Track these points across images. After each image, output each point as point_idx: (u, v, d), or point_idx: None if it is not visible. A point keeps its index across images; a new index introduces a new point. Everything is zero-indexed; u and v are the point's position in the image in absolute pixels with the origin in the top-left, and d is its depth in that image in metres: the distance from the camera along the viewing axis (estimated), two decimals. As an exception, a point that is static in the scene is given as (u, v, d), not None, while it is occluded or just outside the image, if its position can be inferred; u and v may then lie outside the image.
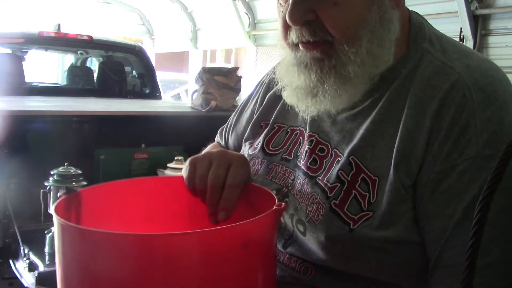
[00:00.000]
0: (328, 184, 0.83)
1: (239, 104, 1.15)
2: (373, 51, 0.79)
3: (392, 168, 0.77)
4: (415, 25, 0.86)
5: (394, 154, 0.77)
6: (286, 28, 0.83)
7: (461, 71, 0.78)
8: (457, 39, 4.56)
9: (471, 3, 4.89)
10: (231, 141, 1.14)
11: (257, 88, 1.10)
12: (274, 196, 0.76)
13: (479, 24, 4.97)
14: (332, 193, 0.82)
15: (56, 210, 0.69)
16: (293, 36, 0.82)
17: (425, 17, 0.92)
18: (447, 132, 0.75)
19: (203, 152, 0.90)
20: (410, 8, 0.91)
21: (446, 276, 0.74)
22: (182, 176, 0.84)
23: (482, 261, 0.68)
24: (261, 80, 1.11)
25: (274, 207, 0.70)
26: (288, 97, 0.89)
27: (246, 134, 1.04)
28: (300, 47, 0.82)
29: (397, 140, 0.78)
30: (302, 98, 0.86)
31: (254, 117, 1.04)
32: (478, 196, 0.70)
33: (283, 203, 0.71)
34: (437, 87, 0.78)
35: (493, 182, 0.50)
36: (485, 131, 0.73)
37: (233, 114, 1.16)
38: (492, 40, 4.99)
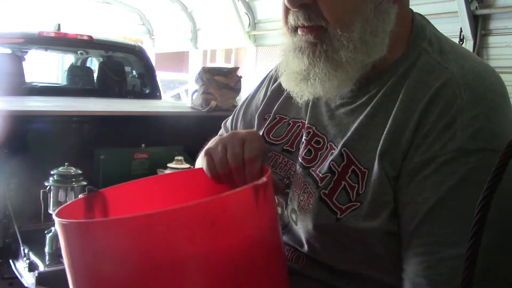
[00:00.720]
0: (320, 175, 0.85)
1: (247, 96, 1.17)
2: (366, 38, 0.81)
3: (377, 158, 0.79)
4: (417, 26, 0.88)
5: (379, 145, 0.79)
6: (286, 12, 0.86)
7: (455, 71, 0.79)
8: (457, 39, 4.56)
9: (471, 3, 4.89)
10: (240, 126, 1.15)
11: (264, 81, 1.12)
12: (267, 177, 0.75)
13: (479, 24, 4.97)
14: (323, 183, 0.84)
15: (73, 208, 0.70)
16: (291, 19, 0.84)
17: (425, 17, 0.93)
18: (432, 126, 0.76)
19: (205, 147, 0.90)
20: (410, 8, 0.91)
21: (415, 264, 0.74)
22: (202, 168, 0.86)
23: (450, 252, 0.70)
24: (268, 73, 1.13)
25: (251, 184, 0.69)
26: (284, 81, 0.91)
27: (255, 127, 1.07)
28: (298, 31, 0.85)
29: (384, 132, 0.79)
30: (296, 83, 0.87)
31: (259, 110, 1.06)
32: (454, 189, 0.72)
33: (263, 179, 0.71)
34: (429, 84, 0.79)
35: (493, 182, 0.50)
36: (471, 126, 0.74)
37: (239, 106, 1.18)
38: (492, 40, 4.99)
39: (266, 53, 8.57)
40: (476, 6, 4.92)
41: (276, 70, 1.05)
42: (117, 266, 0.63)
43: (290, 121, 0.98)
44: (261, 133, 1.00)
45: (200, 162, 0.87)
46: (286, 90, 0.98)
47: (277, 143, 0.97)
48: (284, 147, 0.95)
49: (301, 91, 0.88)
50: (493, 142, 0.74)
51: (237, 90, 3.21)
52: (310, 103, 0.94)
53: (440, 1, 4.91)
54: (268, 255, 0.73)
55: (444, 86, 0.78)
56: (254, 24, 8.45)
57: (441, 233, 0.72)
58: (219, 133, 1.22)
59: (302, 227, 0.85)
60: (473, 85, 0.78)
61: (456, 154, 0.73)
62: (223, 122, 1.23)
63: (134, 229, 0.62)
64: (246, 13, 8.37)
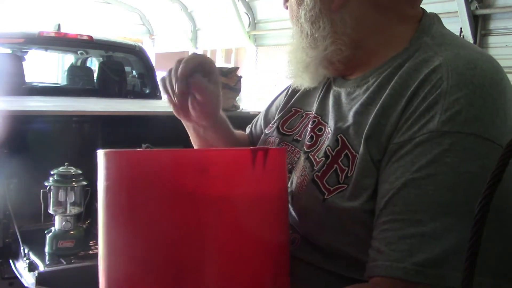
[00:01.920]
0: (317, 159, 0.88)
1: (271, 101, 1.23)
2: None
3: (362, 141, 0.80)
4: (424, 24, 0.89)
5: (366, 128, 0.80)
6: None
7: (447, 58, 0.79)
8: (457, 39, 4.56)
9: (471, 3, 4.90)
10: (258, 125, 1.21)
11: (287, 88, 1.17)
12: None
13: (479, 24, 4.97)
14: (317, 166, 0.87)
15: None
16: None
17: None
18: (415, 109, 0.77)
19: None
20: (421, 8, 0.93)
21: (378, 240, 0.74)
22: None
23: (412, 230, 0.71)
24: None
25: (250, 147, 0.77)
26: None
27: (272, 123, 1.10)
28: None
29: (372, 116, 0.81)
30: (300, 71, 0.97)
31: (279, 109, 1.11)
32: (424, 168, 0.72)
33: (265, 147, 0.79)
34: (421, 71, 0.80)
35: (493, 182, 0.50)
36: (450, 110, 0.74)
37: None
38: (492, 40, 4.99)
39: (266, 53, 8.58)
40: (476, 6, 4.92)
41: None
42: (145, 192, 0.72)
43: (303, 114, 1.02)
44: (275, 122, 1.06)
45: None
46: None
47: (289, 134, 1.01)
48: (294, 137, 1.00)
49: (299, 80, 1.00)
50: (471, 126, 0.73)
51: (237, 90, 3.21)
52: (321, 95, 0.99)
53: (440, 1, 4.91)
54: (268, 222, 0.77)
55: (433, 71, 0.78)
56: (254, 24, 8.46)
57: (406, 211, 0.72)
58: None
59: (295, 209, 0.89)
60: (462, 70, 0.77)
61: (431, 136, 0.73)
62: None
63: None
64: (246, 13, 8.37)
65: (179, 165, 0.72)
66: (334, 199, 0.81)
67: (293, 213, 0.90)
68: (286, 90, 1.14)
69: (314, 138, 0.93)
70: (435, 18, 0.91)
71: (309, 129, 0.95)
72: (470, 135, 0.72)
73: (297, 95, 1.06)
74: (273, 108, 1.16)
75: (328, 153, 0.86)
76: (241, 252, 0.73)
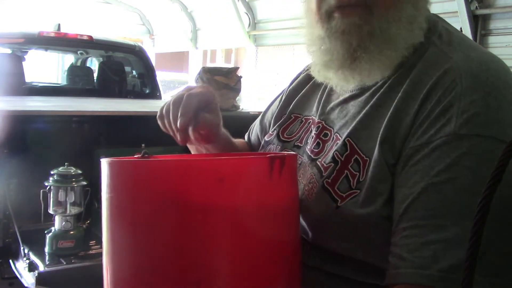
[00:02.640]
0: (324, 165, 0.86)
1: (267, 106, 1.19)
2: (411, 19, 0.82)
3: (377, 145, 0.79)
4: (429, 23, 0.87)
5: (380, 132, 0.79)
6: None
7: (458, 59, 0.79)
8: (457, 39, 4.55)
9: (471, 3, 4.89)
10: (254, 131, 1.18)
11: (281, 93, 1.14)
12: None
13: (479, 24, 4.97)
14: (326, 172, 0.85)
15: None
16: (327, 2, 0.84)
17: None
18: (429, 112, 0.76)
19: None
20: None
21: (400, 247, 0.73)
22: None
23: (435, 236, 0.70)
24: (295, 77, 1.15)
25: (268, 155, 0.74)
26: (320, 71, 0.92)
27: (270, 127, 1.08)
28: (336, 14, 0.83)
29: (385, 120, 0.80)
30: (335, 70, 0.87)
31: (275, 114, 1.08)
32: (443, 173, 0.71)
33: (283, 154, 0.77)
34: (432, 73, 0.79)
35: (493, 182, 0.50)
36: (466, 112, 0.73)
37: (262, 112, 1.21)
38: (492, 40, 4.99)
39: (266, 53, 8.57)
40: (476, 6, 4.92)
41: (298, 77, 1.10)
42: (152, 203, 0.69)
43: (303, 119, 1.00)
44: (274, 130, 1.03)
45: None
46: (302, 90, 1.03)
47: (289, 140, 0.99)
48: (295, 143, 0.98)
49: (341, 79, 0.88)
50: (489, 128, 0.72)
51: (237, 90, 3.21)
52: (323, 99, 0.96)
53: (440, 1, 4.91)
54: (281, 231, 0.75)
55: (445, 73, 0.77)
56: (254, 24, 8.45)
57: (427, 216, 0.72)
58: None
59: (305, 216, 0.87)
60: (475, 72, 0.77)
61: (449, 139, 0.73)
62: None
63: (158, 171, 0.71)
64: (246, 13, 8.37)
65: (193, 176, 0.69)
66: (348, 205, 0.80)
67: (301, 220, 0.88)
68: (280, 96, 1.12)
69: (321, 145, 0.90)
70: (435, 15, 0.91)
71: (314, 136, 0.93)
72: (489, 138, 0.71)
73: (295, 100, 1.04)
74: (269, 114, 1.13)
75: (336, 158, 0.84)
76: (253, 262, 0.71)
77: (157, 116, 0.93)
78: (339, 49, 0.84)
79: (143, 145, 2.77)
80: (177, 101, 0.89)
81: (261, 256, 0.71)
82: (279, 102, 1.09)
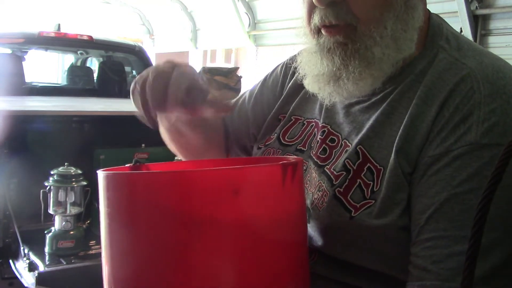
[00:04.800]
0: (335, 173, 0.84)
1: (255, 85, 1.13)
2: (397, 35, 0.80)
3: (393, 154, 0.78)
4: (434, 25, 0.87)
5: (396, 141, 0.78)
6: (310, 11, 0.84)
7: (473, 66, 0.78)
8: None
9: (471, 3, 4.89)
10: (243, 113, 1.11)
11: (277, 72, 1.09)
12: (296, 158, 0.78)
13: (479, 24, 4.97)
14: (337, 181, 0.83)
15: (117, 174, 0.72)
16: (317, 18, 0.82)
17: (425, 17, 0.92)
18: (448, 120, 0.75)
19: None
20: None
21: (423, 258, 0.73)
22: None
23: (459, 247, 0.69)
24: (282, 64, 1.10)
25: (280, 162, 0.71)
26: (310, 84, 0.89)
27: (263, 129, 1.04)
28: (323, 31, 0.83)
29: (401, 128, 0.79)
30: (324, 84, 0.86)
31: (273, 111, 1.04)
32: (465, 183, 0.71)
33: (294, 159, 0.74)
34: (447, 80, 0.78)
35: (493, 182, 0.50)
36: (487, 121, 0.73)
37: (244, 95, 1.14)
38: (492, 40, 4.99)
39: (266, 53, 8.57)
40: (476, 6, 4.92)
41: (291, 65, 1.04)
42: (154, 217, 0.66)
43: (304, 122, 0.97)
44: (276, 134, 1.00)
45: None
46: (302, 91, 0.98)
47: (291, 144, 0.96)
48: (297, 147, 0.95)
49: (329, 94, 0.87)
50: (508, 137, 0.72)
51: (237, 90, 3.21)
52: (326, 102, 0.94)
53: (440, 1, 4.91)
54: (292, 237, 0.73)
55: (462, 81, 0.77)
56: (254, 24, 8.45)
57: (451, 227, 0.71)
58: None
59: (315, 225, 0.85)
60: (492, 79, 0.76)
61: (470, 148, 0.72)
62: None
63: (164, 183, 0.67)
64: (246, 13, 8.36)
65: (205, 187, 0.66)
66: (362, 216, 0.78)
67: (309, 230, 0.86)
68: (281, 83, 1.06)
69: (328, 151, 0.88)
70: (438, 17, 0.90)
71: (319, 140, 0.91)
72: None
73: (295, 102, 1.00)
74: (264, 105, 1.07)
75: (348, 166, 0.82)
76: (262, 269, 0.69)
77: (131, 88, 0.85)
78: (325, 67, 0.84)
79: (143, 145, 2.78)
80: (162, 77, 0.82)
81: (272, 263, 0.70)
82: (280, 96, 1.04)
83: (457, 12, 4.89)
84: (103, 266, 0.72)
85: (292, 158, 0.85)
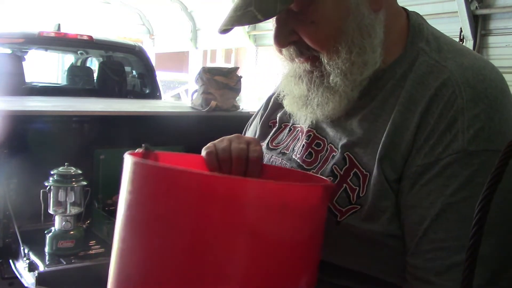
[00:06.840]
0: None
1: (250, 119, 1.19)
2: (353, 59, 0.81)
3: (376, 162, 0.78)
4: (414, 26, 0.86)
5: (379, 149, 0.78)
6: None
7: (453, 69, 0.78)
8: (457, 39, 4.55)
9: (471, 3, 4.89)
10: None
11: (261, 107, 1.14)
12: (327, 180, 0.81)
13: (479, 24, 4.97)
14: None
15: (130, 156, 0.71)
16: (285, 54, 0.87)
17: (425, 17, 0.92)
18: (433, 127, 0.75)
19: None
20: (410, 8, 0.91)
21: (425, 270, 0.74)
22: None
23: (460, 257, 0.69)
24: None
25: (324, 183, 0.74)
26: (288, 105, 0.93)
27: (257, 136, 1.08)
28: (295, 59, 0.87)
29: (384, 135, 0.79)
30: (298, 107, 0.90)
31: (262, 119, 1.08)
32: (458, 192, 0.71)
33: (332, 183, 0.78)
34: (428, 85, 0.78)
35: (493, 182, 0.50)
36: (472, 127, 0.73)
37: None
38: (492, 40, 4.99)
39: (266, 53, 8.57)
40: (476, 6, 4.92)
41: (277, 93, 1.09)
42: (194, 218, 0.64)
43: (291, 127, 1.00)
44: (266, 141, 1.02)
45: (204, 149, 0.90)
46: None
47: (277, 148, 0.99)
48: (281, 150, 0.97)
49: (303, 115, 0.91)
50: (496, 142, 0.73)
51: (237, 90, 3.21)
52: None
53: (440, 1, 4.91)
54: (314, 251, 0.74)
55: (443, 85, 0.77)
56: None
57: (450, 237, 0.72)
58: None
59: None
60: (473, 83, 0.76)
61: (459, 156, 0.73)
62: None
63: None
64: (246, 13, 8.35)
65: (252, 199, 0.65)
66: (349, 221, 0.79)
67: None
68: (265, 103, 1.11)
69: (314, 155, 0.90)
70: (419, 16, 0.89)
71: (305, 144, 0.92)
72: (496, 151, 0.71)
73: (283, 110, 1.01)
74: (251, 128, 1.13)
75: (336, 172, 0.83)
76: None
77: (206, 152, 0.88)
78: (297, 92, 0.88)
79: (143, 144, 2.77)
80: (240, 155, 0.87)
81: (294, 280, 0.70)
82: (263, 110, 1.09)
83: (457, 12, 4.89)
84: (113, 259, 0.71)
85: (329, 181, 0.84)
